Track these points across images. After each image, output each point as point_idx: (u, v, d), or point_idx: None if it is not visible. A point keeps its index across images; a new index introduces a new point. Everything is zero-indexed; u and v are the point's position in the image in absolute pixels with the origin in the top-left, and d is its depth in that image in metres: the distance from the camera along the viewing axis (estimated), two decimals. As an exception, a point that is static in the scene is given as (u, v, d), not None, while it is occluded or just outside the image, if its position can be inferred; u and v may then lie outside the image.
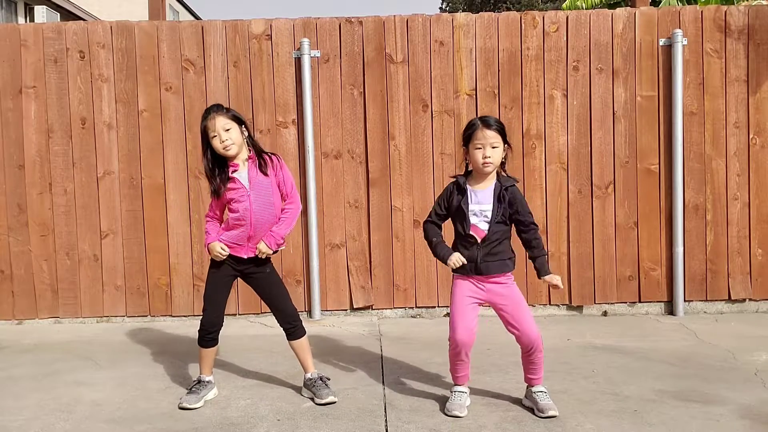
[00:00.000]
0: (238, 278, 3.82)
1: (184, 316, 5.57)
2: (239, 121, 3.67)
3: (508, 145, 3.47)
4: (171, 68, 5.50)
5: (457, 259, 3.42)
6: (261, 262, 3.73)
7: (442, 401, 3.60)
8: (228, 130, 3.59)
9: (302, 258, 5.57)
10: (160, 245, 5.52)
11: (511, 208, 3.43)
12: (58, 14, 22.90)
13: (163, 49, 5.50)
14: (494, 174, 3.47)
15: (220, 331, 3.77)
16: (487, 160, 3.37)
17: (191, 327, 5.27)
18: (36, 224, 5.51)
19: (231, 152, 3.62)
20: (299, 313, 3.85)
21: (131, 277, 5.54)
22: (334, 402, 3.63)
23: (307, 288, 5.57)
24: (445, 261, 3.46)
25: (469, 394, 3.59)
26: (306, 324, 3.87)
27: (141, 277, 5.54)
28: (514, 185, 3.47)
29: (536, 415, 3.42)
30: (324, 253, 5.58)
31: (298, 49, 5.49)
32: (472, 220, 3.42)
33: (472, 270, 3.44)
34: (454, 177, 3.55)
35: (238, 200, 3.64)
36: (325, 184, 5.56)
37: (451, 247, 3.51)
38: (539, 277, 3.48)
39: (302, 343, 3.80)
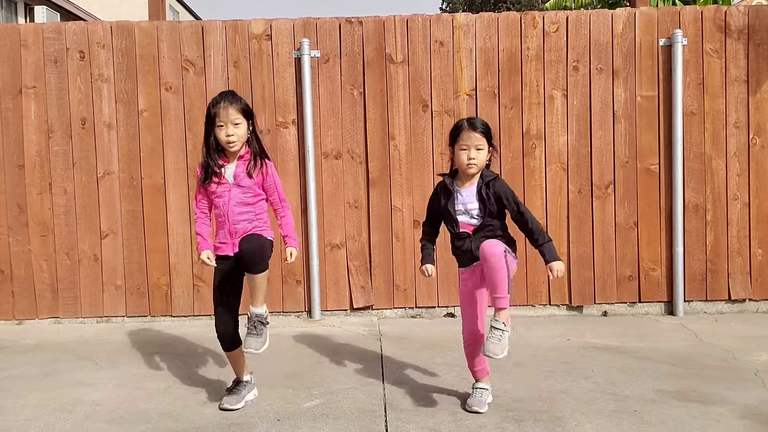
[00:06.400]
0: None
1: (184, 316, 5.57)
2: (249, 115, 3.63)
3: (493, 147, 3.53)
4: (171, 68, 5.50)
5: (425, 269, 3.61)
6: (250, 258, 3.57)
7: (443, 401, 3.60)
8: (237, 125, 3.55)
9: (302, 258, 5.56)
10: (160, 245, 5.52)
11: (498, 202, 3.45)
12: (58, 14, 22.91)
13: (163, 49, 5.49)
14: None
15: (238, 330, 3.67)
16: (471, 161, 3.43)
17: (191, 327, 5.28)
18: (36, 224, 5.51)
19: (234, 149, 3.59)
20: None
21: (131, 277, 5.54)
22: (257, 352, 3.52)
23: (307, 288, 5.56)
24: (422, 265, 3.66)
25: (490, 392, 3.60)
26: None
27: (141, 277, 5.54)
28: (495, 178, 3.49)
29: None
30: (324, 253, 5.57)
31: (298, 49, 5.49)
32: (460, 219, 3.49)
33: (469, 260, 3.50)
34: (442, 175, 3.60)
35: (219, 195, 3.60)
36: (325, 184, 5.56)
37: (450, 242, 3.59)
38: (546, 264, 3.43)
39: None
